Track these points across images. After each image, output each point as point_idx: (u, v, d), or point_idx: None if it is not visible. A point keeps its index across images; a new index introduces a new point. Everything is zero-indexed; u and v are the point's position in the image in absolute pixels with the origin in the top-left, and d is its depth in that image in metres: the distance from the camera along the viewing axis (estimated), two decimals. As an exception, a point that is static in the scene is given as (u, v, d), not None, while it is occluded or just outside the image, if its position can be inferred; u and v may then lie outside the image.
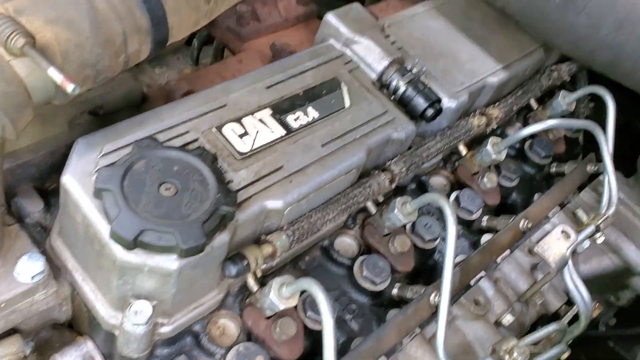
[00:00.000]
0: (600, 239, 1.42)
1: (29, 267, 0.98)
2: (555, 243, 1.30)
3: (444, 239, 1.43)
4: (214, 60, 1.98)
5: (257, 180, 1.06)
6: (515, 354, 1.13)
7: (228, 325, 1.14)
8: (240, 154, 1.07)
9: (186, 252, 0.89)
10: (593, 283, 1.60)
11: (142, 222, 0.88)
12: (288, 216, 1.10)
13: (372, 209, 1.32)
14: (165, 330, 1.05)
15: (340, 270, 1.29)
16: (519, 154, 1.66)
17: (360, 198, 1.21)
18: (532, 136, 1.69)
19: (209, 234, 0.91)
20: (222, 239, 0.97)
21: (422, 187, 1.48)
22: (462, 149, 1.49)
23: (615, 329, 2.07)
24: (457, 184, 1.51)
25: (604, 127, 1.48)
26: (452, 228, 1.11)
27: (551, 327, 1.24)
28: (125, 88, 1.20)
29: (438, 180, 1.51)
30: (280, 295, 1.05)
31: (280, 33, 1.74)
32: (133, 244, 0.88)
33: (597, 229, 1.38)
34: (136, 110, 1.27)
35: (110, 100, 1.19)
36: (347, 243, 1.34)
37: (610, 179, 1.42)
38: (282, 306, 1.05)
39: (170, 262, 0.92)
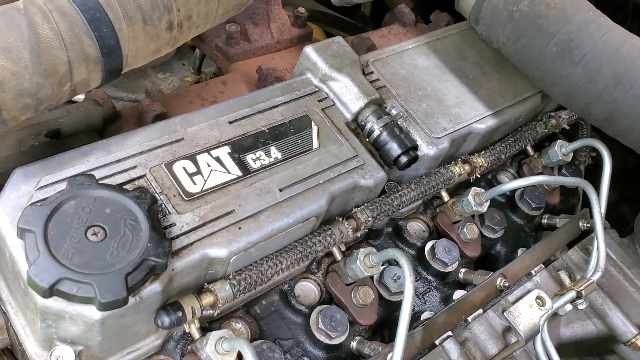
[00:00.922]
0: (581, 306, 1.33)
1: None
2: (527, 310, 1.22)
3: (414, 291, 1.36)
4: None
5: (203, 225, 1.00)
6: None
7: (167, 372, 1.09)
8: (188, 194, 1.01)
9: (104, 305, 0.83)
10: (575, 347, 1.52)
11: (60, 270, 0.82)
12: (235, 264, 1.04)
13: (338, 255, 1.25)
14: (95, 374, 1.00)
15: (298, 318, 1.22)
16: (508, 202, 1.57)
17: (319, 247, 1.14)
18: (524, 184, 1.60)
19: (132, 287, 0.85)
20: (153, 289, 0.91)
21: (398, 232, 1.40)
22: (444, 195, 1.41)
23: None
24: (436, 231, 1.43)
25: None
26: (409, 288, 1.04)
27: (515, 398, 1.16)
28: (83, 111, 1.15)
29: (416, 226, 1.43)
30: (216, 350, 0.99)
31: (271, 55, 1.68)
32: (49, 292, 0.82)
33: (579, 295, 1.30)
34: (98, 133, 1.22)
35: (67, 124, 1.14)
36: (308, 288, 1.27)
37: (599, 243, 1.33)
38: (217, 361, 0.99)
39: (91, 312, 0.87)
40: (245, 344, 0.91)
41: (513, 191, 1.58)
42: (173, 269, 0.94)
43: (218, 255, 0.99)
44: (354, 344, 1.22)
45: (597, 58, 1.25)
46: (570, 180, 1.36)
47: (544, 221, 1.60)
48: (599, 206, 1.34)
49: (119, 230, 0.88)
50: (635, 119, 1.26)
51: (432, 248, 1.36)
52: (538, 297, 1.23)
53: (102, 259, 0.85)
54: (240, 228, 1.02)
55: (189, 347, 1.07)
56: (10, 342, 1.11)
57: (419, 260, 1.39)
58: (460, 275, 1.40)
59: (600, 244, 1.31)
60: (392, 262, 1.32)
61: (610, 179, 1.40)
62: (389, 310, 1.31)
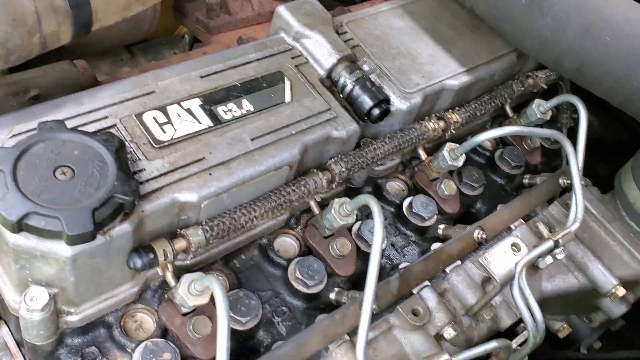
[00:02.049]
0: (560, 255, 1.34)
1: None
2: (502, 256, 1.23)
3: (393, 245, 1.38)
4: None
5: (172, 170, 1.02)
6: (444, 369, 1.07)
7: (145, 320, 1.11)
8: (158, 142, 1.04)
9: (72, 238, 0.86)
10: (559, 302, 1.53)
11: (28, 205, 0.85)
12: (207, 210, 1.06)
13: (316, 209, 1.27)
14: (73, 319, 1.02)
15: (277, 271, 1.25)
16: (488, 162, 1.59)
17: (294, 196, 1.16)
18: (504, 145, 1.62)
19: (100, 223, 0.88)
20: (122, 229, 0.93)
21: (377, 190, 1.43)
22: (422, 154, 1.43)
23: (596, 353, 1.98)
24: (414, 189, 1.45)
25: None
26: (379, 228, 1.05)
27: (492, 344, 1.17)
28: (59, 72, 1.18)
29: (395, 185, 1.45)
30: (189, 291, 1.01)
31: (253, 28, 1.71)
32: (18, 227, 0.85)
33: (556, 245, 1.31)
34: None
35: (43, 84, 1.17)
36: (288, 243, 1.30)
37: (577, 193, 1.34)
38: (192, 303, 1.01)
39: (62, 249, 0.89)
40: (214, 280, 0.93)
41: (493, 151, 1.60)
42: (143, 211, 0.96)
43: (188, 200, 1.02)
44: (332, 295, 1.24)
45: (565, 8, 1.27)
46: (545, 132, 1.37)
47: (525, 181, 1.61)
48: (575, 157, 1.35)
49: (87, 170, 0.91)
50: (605, 68, 1.27)
51: (410, 203, 1.38)
52: (513, 244, 1.25)
53: (70, 196, 0.88)
54: (211, 174, 1.05)
55: (166, 295, 1.09)
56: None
57: (398, 217, 1.41)
58: (440, 232, 1.42)
59: (578, 195, 1.32)
60: (371, 217, 1.35)
61: (586, 132, 1.41)
62: (367, 264, 1.32)
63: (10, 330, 1.10)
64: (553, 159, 1.73)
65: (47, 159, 0.90)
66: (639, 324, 2.10)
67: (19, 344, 1.10)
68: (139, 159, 1.01)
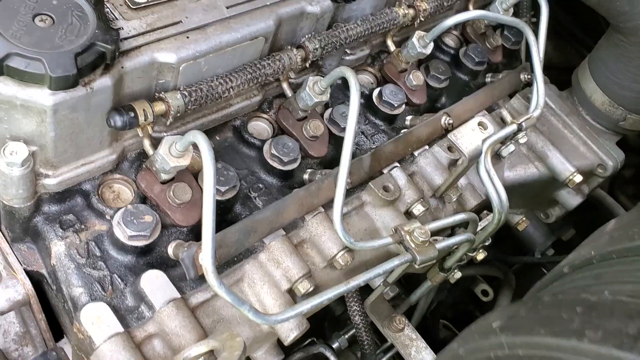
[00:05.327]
0: (522, 139, 1.40)
1: None
2: (470, 133, 1.27)
3: (362, 132, 1.41)
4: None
5: (150, 31, 1.01)
6: (415, 234, 1.11)
7: (123, 190, 1.12)
8: (135, 3, 1.03)
9: (56, 81, 0.85)
10: (519, 194, 1.59)
11: (9, 46, 0.84)
12: (185, 76, 1.06)
13: (288, 92, 1.29)
14: (50, 182, 1.02)
15: (251, 151, 1.26)
16: (453, 60, 1.62)
17: (269, 70, 1.17)
18: (468, 43, 1.65)
19: (83, 68, 0.87)
20: (103, 82, 0.93)
21: (346, 82, 1.44)
22: (391, 45, 1.46)
23: (550, 257, 2.08)
24: (383, 82, 1.47)
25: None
26: (354, 95, 1.08)
27: (459, 216, 1.22)
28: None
29: (364, 78, 1.48)
30: (170, 152, 1.02)
31: None
32: (-1, 69, 0.84)
33: (519, 128, 1.36)
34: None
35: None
36: (261, 127, 1.31)
37: (538, 80, 1.38)
38: (172, 164, 1.02)
39: (43, 97, 0.88)
40: (199, 133, 0.93)
41: (457, 49, 1.63)
42: (123, 67, 0.96)
43: (167, 61, 1.01)
44: (306, 176, 1.26)
45: None
46: (509, 19, 1.41)
47: (487, 79, 1.65)
48: (537, 46, 1.39)
49: (67, 19, 0.90)
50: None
51: (380, 92, 1.41)
52: (480, 123, 1.29)
53: (51, 41, 0.87)
54: (188, 37, 1.04)
55: (144, 165, 1.10)
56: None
57: (368, 107, 1.43)
58: (407, 122, 1.45)
59: (539, 81, 1.37)
60: (343, 102, 1.37)
61: (547, 24, 1.45)
62: (338, 149, 1.34)
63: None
64: (513, 60, 1.78)
65: (25, 6, 0.88)
66: (587, 234, 2.22)
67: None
68: (116, 19, 1.00)
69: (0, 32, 0.85)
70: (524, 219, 1.71)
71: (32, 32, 0.87)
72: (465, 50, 1.61)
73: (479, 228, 1.31)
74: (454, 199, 1.37)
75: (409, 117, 1.45)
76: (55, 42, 0.87)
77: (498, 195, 1.27)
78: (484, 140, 1.26)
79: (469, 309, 2.24)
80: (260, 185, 1.22)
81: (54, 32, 0.88)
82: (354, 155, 1.23)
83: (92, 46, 0.88)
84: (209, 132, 1.23)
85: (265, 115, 1.31)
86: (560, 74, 1.87)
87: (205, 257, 0.88)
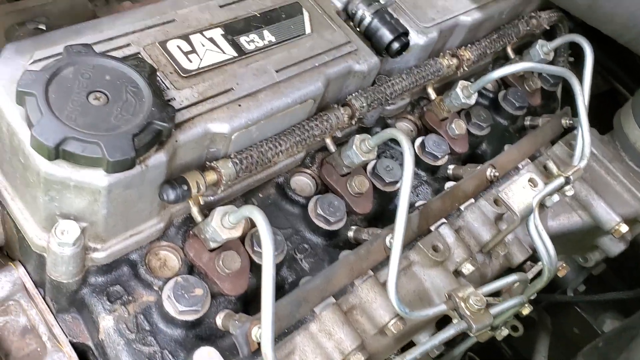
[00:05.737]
0: (569, 192, 1.36)
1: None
2: (520, 191, 1.24)
3: (406, 184, 1.37)
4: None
5: (202, 100, 0.98)
6: (471, 301, 1.08)
7: (169, 257, 1.09)
8: (185, 71, 1.00)
9: (113, 165, 0.82)
10: (561, 242, 1.56)
11: (65, 130, 0.80)
12: (236, 143, 1.03)
13: (332, 147, 1.25)
14: (99, 256, 0.98)
15: (295, 209, 1.23)
16: (492, 104, 1.59)
17: (317, 131, 1.14)
18: (507, 86, 1.62)
19: (140, 149, 0.84)
20: (158, 158, 0.90)
21: (388, 132, 1.41)
22: (431, 93, 1.42)
23: (584, 296, 2.04)
24: (424, 130, 1.44)
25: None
26: (408, 160, 1.04)
27: (511, 278, 1.18)
28: (68, 1, 1.11)
29: (404, 126, 1.45)
30: (222, 224, 0.99)
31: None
32: (55, 153, 0.81)
33: (567, 181, 1.32)
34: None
35: (52, 12, 1.11)
36: (303, 182, 1.28)
37: (584, 130, 1.35)
38: (225, 236, 0.99)
39: (98, 178, 0.85)
40: (255, 209, 0.90)
41: (496, 93, 1.60)
42: (177, 141, 0.93)
43: (220, 131, 0.98)
44: (351, 233, 1.23)
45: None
46: (554, 69, 1.37)
47: (527, 122, 1.63)
48: (582, 95, 1.36)
49: (121, 95, 0.87)
50: (617, 2, 1.28)
51: (422, 143, 1.38)
52: (530, 180, 1.26)
53: (107, 121, 0.84)
54: (240, 105, 1.01)
55: (190, 231, 1.06)
56: (5, 239, 1.09)
57: (410, 157, 1.40)
58: (450, 171, 1.42)
59: (585, 130, 1.34)
60: (386, 155, 1.34)
61: (592, 70, 1.42)
62: (382, 203, 1.32)
63: (27, 271, 1.06)
64: (550, 102, 1.75)
65: (79, 84, 0.85)
66: (618, 268, 2.18)
67: (37, 284, 1.06)
68: (168, 88, 0.97)
69: (55, 114, 0.81)
70: (564, 265, 1.67)
71: (87, 112, 0.83)
72: (504, 94, 1.58)
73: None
74: (502, 255, 1.34)
75: (451, 167, 1.42)
76: (112, 123, 0.84)
77: (547, 253, 1.23)
78: (534, 198, 1.23)
79: (497, 343, 2.20)
80: (306, 245, 1.19)
81: (109, 110, 0.85)
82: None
83: (149, 125, 0.85)
84: (252, 190, 1.20)
85: (308, 171, 1.27)
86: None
87: (266, 347, 0.84)
